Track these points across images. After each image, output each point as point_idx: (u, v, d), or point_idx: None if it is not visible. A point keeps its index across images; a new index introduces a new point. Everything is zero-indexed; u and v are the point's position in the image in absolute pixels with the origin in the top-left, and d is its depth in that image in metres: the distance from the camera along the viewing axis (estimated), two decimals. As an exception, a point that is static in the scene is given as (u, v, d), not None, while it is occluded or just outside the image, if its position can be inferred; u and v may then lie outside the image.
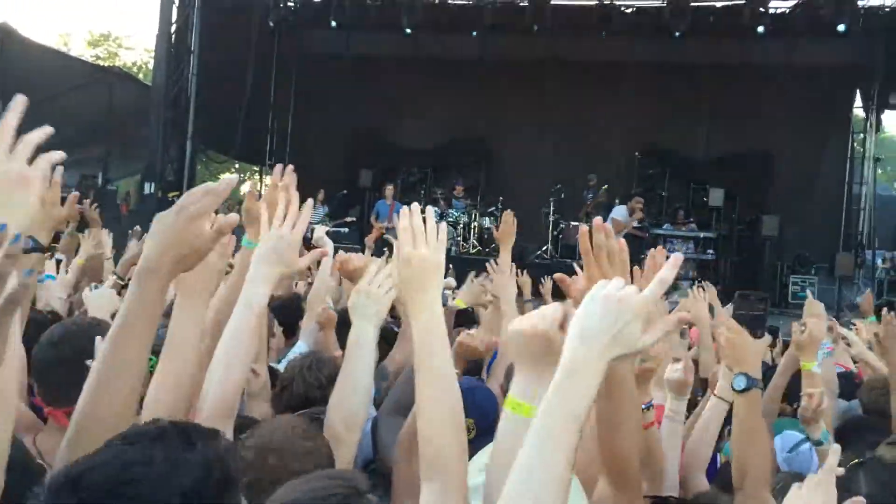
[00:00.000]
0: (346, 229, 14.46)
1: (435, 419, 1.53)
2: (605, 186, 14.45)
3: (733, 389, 2.17)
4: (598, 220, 1.69)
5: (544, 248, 14.50)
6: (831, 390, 3.35)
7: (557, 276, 1.79)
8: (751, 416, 2.11)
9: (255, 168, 22.50)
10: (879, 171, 17.95)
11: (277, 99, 18.27)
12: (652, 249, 2.44)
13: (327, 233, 4.75)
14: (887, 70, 15.88)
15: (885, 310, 3.39)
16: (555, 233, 14.53)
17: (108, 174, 15.66)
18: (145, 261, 1.46)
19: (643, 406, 2.40)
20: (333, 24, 16.25)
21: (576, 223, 14.38)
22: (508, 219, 4.02)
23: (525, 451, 1.16)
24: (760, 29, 14.86)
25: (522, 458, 1.16)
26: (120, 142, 16.40)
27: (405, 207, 1.69)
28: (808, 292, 4.65)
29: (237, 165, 36.36)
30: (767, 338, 2.46)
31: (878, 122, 17.03)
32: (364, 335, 2.00)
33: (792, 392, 3.00)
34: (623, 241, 1.74)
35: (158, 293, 1.46)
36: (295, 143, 18.41)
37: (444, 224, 1.70)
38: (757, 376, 2.15)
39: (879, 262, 16.01)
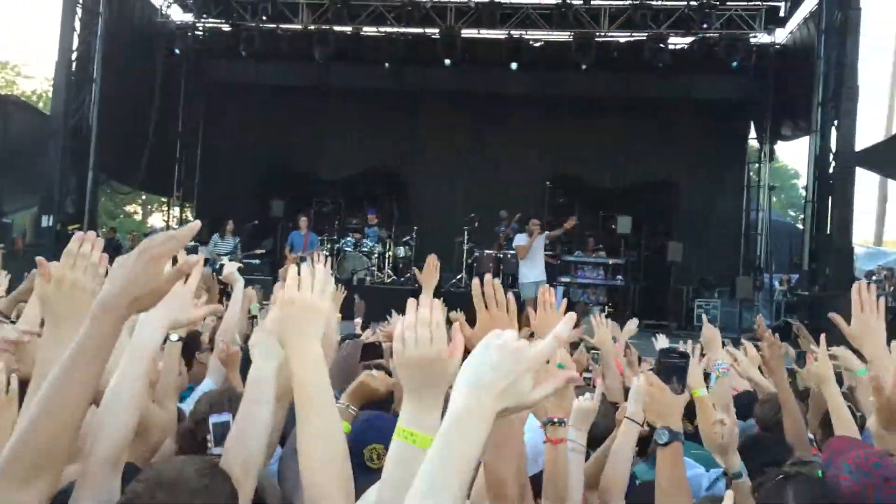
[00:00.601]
0: (258, 261, 14.17)
1: (316, 461, 1.52)
2: (518, 216, 14.68)
3: (657, 443, 2.26)
4: (488, 276, 1.79)
5: (459, 276, 14.58)
6: (728, 410, 3.45)
7: (454, 316, 1.84)
8: (673, 467, 2.19)
9: (163, 199, 21.85)
10: (774, 198, 18.93)
11: (185, 128, 17.86)
12: (542, 288, 2.54)
13: (239, 266, 4.64)
14: (778, 103, 16.82)
15: (768, 332, 3.55)
16: (469, 261, 14.63)
17: (2, 207, 14.90)
18: (101, 300, 1.49)
19: (555, 421, 2.41)
20: (243, 53, 16.06)
21: (490, 251, 14.55)
22: (432, 262, 4.06)
23: (411, 499, 1.13)
24: (661, 64, 15.54)
25: None
26: (15, 173, 15.63)
27: (302, 264, 1.69)
28: (703, 316, 4.82)
29: (143, 197, 35.45)
30: (687, 395, 2.54)
31: (772, 152, 17.99)
32: (264, 374, 1.90)
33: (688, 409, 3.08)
34: (511, 295, 1.85)
35: (111, 331, 1.49)
36: (204, 173, 18.02)
37: (332, 278, 1.70)
38: (678, 429, 2.24)
39: (777, 284, 16.82)
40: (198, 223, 1.74)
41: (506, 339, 1.14)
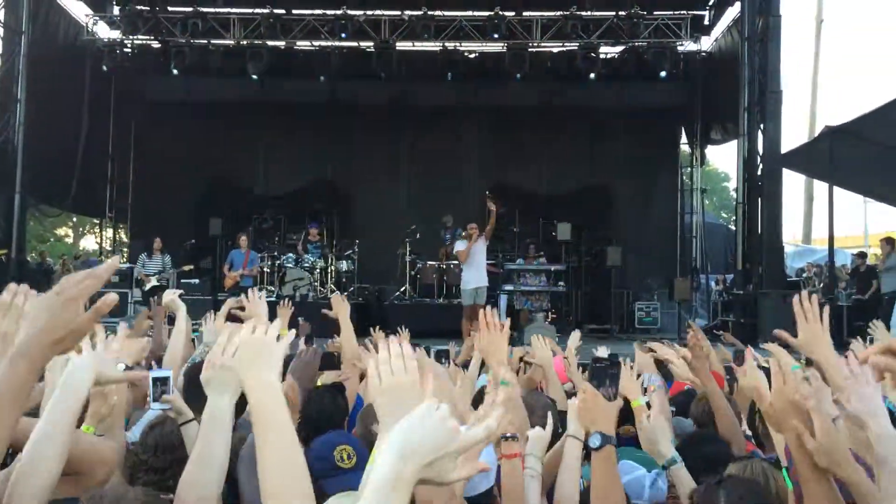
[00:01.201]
0: (197, 280, 13.89)
1: (278, 490, 1.52)
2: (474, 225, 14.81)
3: (590, 447, 2.31)
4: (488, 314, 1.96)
5: (403, 288, 14.56)
6: (667, 419, 3.52)
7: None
8: (607, 471, 2.24)
9: (95, 221, 21.26)
10: (707, 201, 19.45)
11: (116, 147, 17.42)
12: (482, 312, 2.63)
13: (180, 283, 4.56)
14: (707, 109, 17.34)
15: (691, 334, 3.63)
16: (412, 273, 14.63)
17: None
18: (19, 344, 1.50)
19: (508, 436, 2.44)
20: (174, 70, 15.78)
21: (433, 262, 14.57)
22: (336, 298, 4.72)
23: None
24: (592, 75, 15.89)
25: None
26: (-64, 198, 15.01)
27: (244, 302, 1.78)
28: (635, 344, 4.93)
29: (75, 219, 34.41)
30: (619, 401, 2.62)
31: (703, 156, 18.52)
32: (219, 409, 1.87)
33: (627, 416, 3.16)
34: (506, 322, 1.96)
35: (28, 376, 1.50)
36: (138, 192, 17.60)
37: (278, 323, 1.78)
38: (611, 434, 2.30)
39: (713, 284, 17.27)
40: (117, 259, 1.74)
41: (443, 414, 1.17)
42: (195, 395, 1.92)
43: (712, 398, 3.32)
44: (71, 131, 15.42)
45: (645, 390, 3.38)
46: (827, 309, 2.41)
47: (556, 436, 2.80)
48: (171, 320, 4.56)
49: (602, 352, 4.74)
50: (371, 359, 1.55)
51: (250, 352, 1.67)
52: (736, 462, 2.36)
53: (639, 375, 3.94)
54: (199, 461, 1.87)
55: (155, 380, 2.72)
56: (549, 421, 2.69)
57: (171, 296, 4.38)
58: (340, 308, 4.61)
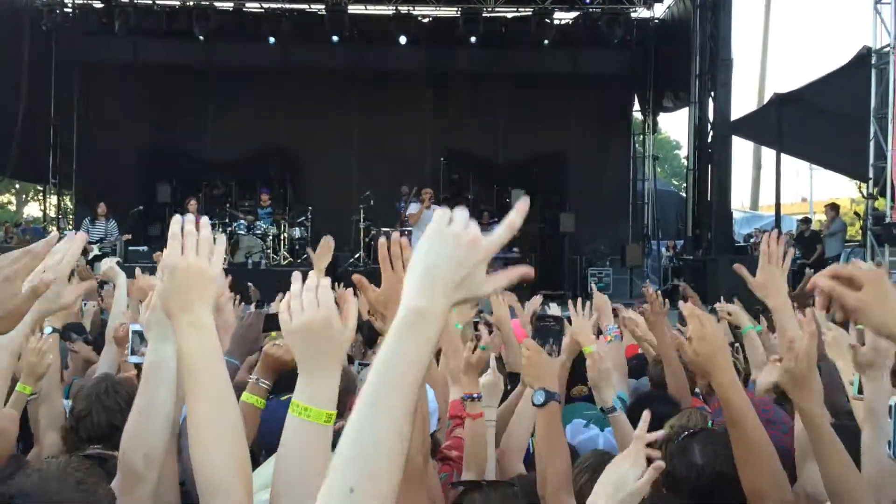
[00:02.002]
0: (145, 248, 13.57)
1: (210, 442, 1.41)
2: (416, 188, 14.73)
3: (533, 404, 2.30)
4: (395, 234, 1.76)
5: (357, 255, 14.46)
6: (621, 372, 3.59)
7: (355, 277, 1.78)
8: (551, 427, 2.23)
9: (39, 187, 20.59)
10: (658, 168, 19.69)
11: (58, 111, 16.81)
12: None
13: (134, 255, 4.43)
14: (659, 76, 17.46)
15: (651, 293, 3.70)
16: (367, 240, 14.54)
17: None
18: None
19: (473, 396, 2.45)
20: (118, 31, 15.25)
21: (387, 229, 14.48)
22: (326, 243, 4.14)
23: (357, 408, 1.04)
24: (546, 41, 15.84)
25: (354, 417, 1.03)
26: None
27: (177, 215, 1.52)
28: (593, 284, 5.00)
29: (17, 185, 33.30)
30: (561, 357, 2.64)
31: (655, 123, 18.69)
32: (162, 356, 1.75)
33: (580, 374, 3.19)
34: None
35: None
36: (82, 158, 17.03)
37: (221, 236, 1.53)
38: (555, 390, 2.30)
39: (664, 250, 17.56)
40: (55, 235, 1.65)
41: (458, 228, 1.06)
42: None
43: (664, 354, 3.37)
44: (10, 95, 14.83)
45: (600, 334, 3.41)
46: (791, 254, 2.43)
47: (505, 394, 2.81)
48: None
49: (554, 310, 4.75)
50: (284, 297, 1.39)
51: (178, 283, 1.45)
52: (678, 415, 2.43)
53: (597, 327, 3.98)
54: (141, 414, 1.77)
55: (135, 332, 2.67)
56: (494, 365, 2.67)
57: (108, 264, 4.21)
58: (322, 255, 4.15)
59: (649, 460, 1.61)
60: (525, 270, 1.10)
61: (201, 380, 1.43)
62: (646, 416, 1.76)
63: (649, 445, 1.65)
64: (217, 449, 1.41)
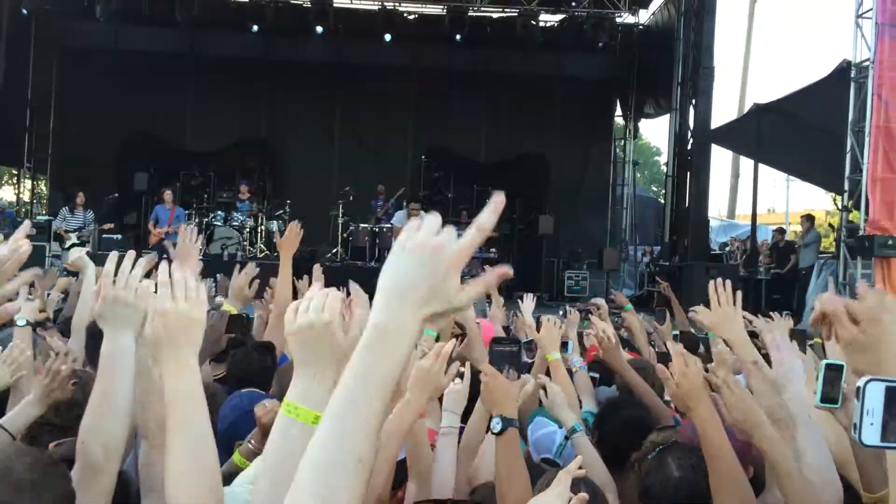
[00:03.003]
0: (119, 236, 13.41)
1: (187, 479, 1.42)
2: (404, 189, 14.70)
3: (491, 432, 2.23)
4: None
5: (334, 250, 14.40)
6: (589, 394, 3.57)
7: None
8: (509, 454, 2.16)
9: (14, 171, 20.28)
10: (638, 174, 19.81)
11: (35, 95, 16.55)
12: None
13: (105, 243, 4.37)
14: (641, 82, 17.56)
15: (600, 328, 3.67)
16: (345, 235, 14.48)
17: None
18: None
19: None
20: (99, 16, 15.05)
21: (365, 225, 14.45)
22: (294, 228, 4.09)
23: (324, 424, 1.02)
24: (532, 41, 15.87)
25: (319, 434, 1.02)
26: None
27: (163, 265, 1.55)
28: (568, 307, 4.97)
29: (-9, 169, 32.82)
30: (524, 379, 2.61)
31: (636, 129, 18.80)
32: (119, 346, 1.73)
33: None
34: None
35: None
36: (58, 143, 16.80)
37: (203, 285, 1.57)
38: (513, 417, 2.23)
39: (641, 255, 17.67)
40: (27, 250, 1.59)
41: (422, 238, 1.01)
42: (98, 351, 1.80)
43: (630, 380, 3.34)
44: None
45: (570, 371, 3.41)
46: (740, 294, 2.50)
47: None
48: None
49: (527, 301, 4.71)
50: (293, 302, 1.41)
51: (173, 326, 1.49)
52: (659, 431, 2.40)
53: (564, 343, 3.99)
54: (99, 405, 1.74)
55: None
56: (467, 374, 2.62)
57: (77, 253, 4.14)
58: (288, 242, 4.13)
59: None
60: (503, 271, 1.04)
61: (184, 420, 1.45)
62: (577, 460, 1.79)
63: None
64: (194, 485, 1.42)
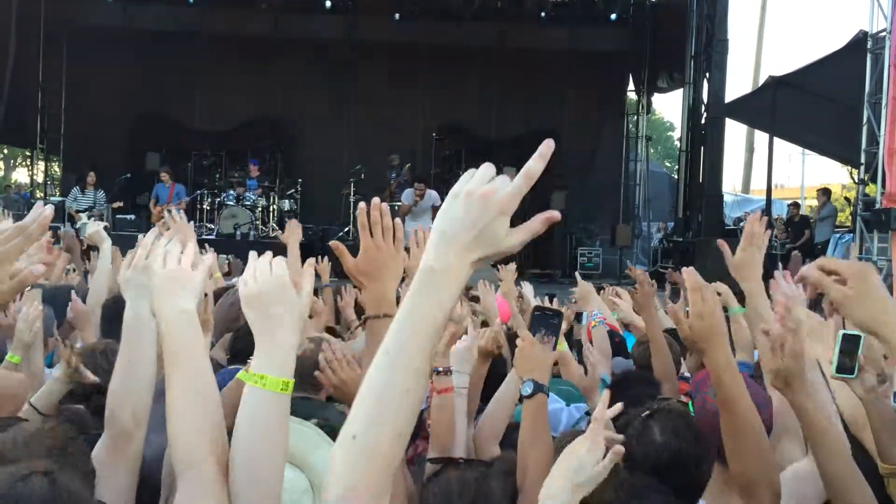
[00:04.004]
0: (132, 216, 13.49)
1: (187, 417, 1.43)
2: (409, 165, 14.59)
3: (522, 394, 2.26)
4: (375, 199, 1.76)
5: (346, 229, 14.41)
6: (605, 356, 3.58)
7: (332, 243, 1.78)
8: (536, 418, 2.18)
9: (27, 153, 20.38)
10: (651, 149, 19.63)
11: (47, 74, 16.56)
12: (415, 228, 2.46)
13: (113, 221, 4.40)
14: (654, 56, 17.33)
15: (639, 273, 3.70)
16: (356, 214, 14.44)
17: None
18: None
19: (441, 370, 2.42)
20: (108, -5, 15.04)
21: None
22: (293, 225, 4.58)
23: (377, 357, 1.07)
24: (543, 14, 15.69)
25: (373, 366, 1.07)
26: None
27: (151, 232, 1.67)
28: (577, 275, 4.99)
29: (5, 150, 32.95)
30: (557, 351, 2.61)
31: (649, 104, 18.58)
32: (143, 314, 1.76)
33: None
34: (398, 220, 1.81)
35: None
36: (70, 123, 16.83)
37: (211, 254, 1.68)
38: (544, 382, 2.26)
39: (654, 231, 17.58)
40: (50, 213, 1.62)
41: (472, 186, 1.04)
42: (113, 329, 1.83)
43: (652, 336, 3.35)
44: (-2, 56, 14.61)
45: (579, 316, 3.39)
46: (768, 235, 2.44)
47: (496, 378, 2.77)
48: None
49: (527, 289, 4.73)
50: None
51: (165, 281, 1.54)
52: (661, 401, 2.39)
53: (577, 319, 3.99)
54: (126, 371, 1.79)
55: None
56: (471, 331, 2.64)
57: (95, 227, 4.20)
58: (292, 234, 4.46)
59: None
60: (550, 215, 1.06)
61: (178, 357, 1.46)
62: (605, 396, 1.74)
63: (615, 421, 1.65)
64: (191, 426, 1.43)
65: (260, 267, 1.40)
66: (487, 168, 1.07)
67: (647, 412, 2.02)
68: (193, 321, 1.52)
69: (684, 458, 1.90)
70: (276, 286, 1.38)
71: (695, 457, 1.90)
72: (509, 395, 2.63)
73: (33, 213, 2.05)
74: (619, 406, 1.75)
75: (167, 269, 1.54)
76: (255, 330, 1.40)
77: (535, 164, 1.05)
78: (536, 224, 1.06)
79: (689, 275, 1.96)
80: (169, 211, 3.37)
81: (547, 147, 1.06)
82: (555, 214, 1.05)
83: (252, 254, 1.46)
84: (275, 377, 1.36)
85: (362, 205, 1.71)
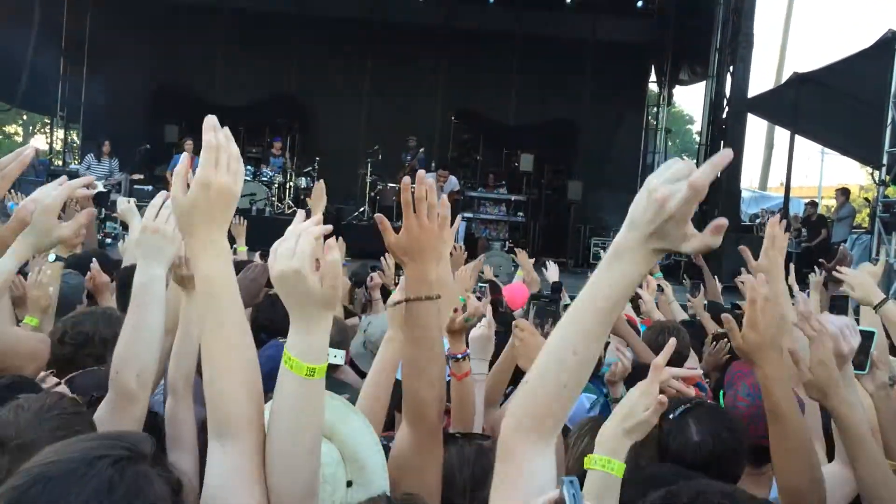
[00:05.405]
0: (151, 188, 13.54)
1: (223, 378, 1.34)
2: (422, 149, 14.57)
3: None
4: (420, 172, 1.67)
5: (361, 209, 14.43)
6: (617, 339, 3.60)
7: (377, 216, 1.72)
8: None
9: (46, 120, 20.49)
10: (670, 142, 19.51)
11: (69, 44, 16.62)
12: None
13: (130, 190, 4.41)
14: (678, 48, 17.19)
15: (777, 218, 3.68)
16: (372, 194, 14.49)
17: None
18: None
19: (459, 356, 2.43)
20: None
21: (393, 184, 14.44)
22: (319, 186, 4.20)
23: (561, 320, 1.20)
24: (568, 1, 15.56)
25: (552, 341, 1.21)
26: None
27: (211, 117, 1.46)
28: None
29: (25, 116, 33.12)
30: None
31: (670, 96, 18.47)
32: (152, 277, 1.77)
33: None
34: (445, 197, 1.74)
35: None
36: (91, 92, 16.88)
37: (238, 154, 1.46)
38: None
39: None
40: (91, 178, 1.69)
41: (656, 184, 1.09)
42: (128, 296, 1.83)
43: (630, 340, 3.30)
44: (22, 25, 14.66)
45: None
46: (786, 238, 2.44)
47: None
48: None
49: (552, 269, 4.74)
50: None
51: (214, 199, 1.37)
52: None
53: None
54: (133, 333, 1.78)
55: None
56: (489, 318, 2.61)
57: (125, 205, 4.20)
58: (318, 199, 4.13)
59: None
60: (719, 224, 1.08)
61: (221, 302, 1.36)
62: (671, 343, 1.78)
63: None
64: (231, 384, 1.35)
65: (285, 246, 1.31)
66: (678, 166, 1.10)
67: (685, 407, 2.03)
68: (230, 261, 1.41)
69: (720, 457, 1.94)
70: (295, 272, 1.28)
71: (730, 455, 1.94)
72: (507, 360, 2.63)
73: (13, 154, 2.13)
74: (673, 343, 1.81)
75: (218, 186, 1.38)
76: (290, 313, 1.33)
77: (704, 172, 1.06)
78: (708, 237, 1.09)
79: (750, 287, 1.85)
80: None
81: (722, 157, 1.07)
82: (722, 222, 1.08)
83: (299, 214, 1.39)
84: (300, 361, 1.31)
85: (406, 180, 1.63)
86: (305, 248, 1.29)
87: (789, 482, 1.83)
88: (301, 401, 1.33)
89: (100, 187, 12.81)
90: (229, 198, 1.39)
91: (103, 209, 12.29)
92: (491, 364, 2.66)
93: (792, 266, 5.78)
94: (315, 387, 1.33)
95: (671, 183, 1.08)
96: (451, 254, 2.62)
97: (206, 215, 1.37)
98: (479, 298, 4.04)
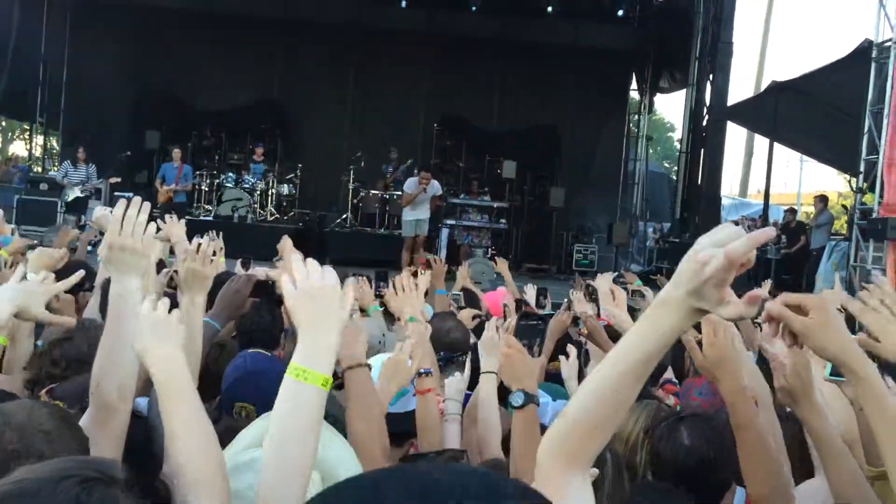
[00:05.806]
0: (131, 194, 13.35)
1: (190, 447, 1.49)
2: (410, 161, 14.57)
3: (511, 406, 2.23)
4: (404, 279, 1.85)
5: (344, 216, 14.41)
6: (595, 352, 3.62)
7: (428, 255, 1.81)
8: (527, 429, 2.17)
9: (25, 126, 20.30)
10: (651, 150, 19.64)
11: (49, 48, 16.46)
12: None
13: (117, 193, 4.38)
14: (658, 56, 17.33)
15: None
16: (354, 201, 14.47)
17: None
18: None
19: (421, 372, 2.49)
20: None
21: (375, 192, 14.44)
22: (286, 243, 4.10)
23: (595, 375, 1.22)
24: (549, 9, 15.64)
25: (592, 383, 1.23)
26: None
27: (122, 201, 1.72)
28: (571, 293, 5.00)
29: (3, 123, 32.78)
30: (542, 359, 2.62)
31: (651, 103, 18.61)
32: (126, 288, 1.78)
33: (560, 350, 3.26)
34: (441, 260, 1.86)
35: None
36: (71, 98, 16.75)
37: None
38: (534, 392, 2.25)
39: (651, 231, 17.61)
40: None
41: (698, 247, 1.13)
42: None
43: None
44: (1, 26, 14.52)
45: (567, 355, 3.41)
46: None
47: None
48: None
49: (530, 291, 4.76)
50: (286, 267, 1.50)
51: (150, 328, 1.61)
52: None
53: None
54: (111, 348, 1.77)
55: None
56: (467, 369, 2.72)
57: (101, 212, 4.16)
58: (287, 253, 4.24)
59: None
60: (754, 295, 1.12)
61: (176, 404, 1.55)
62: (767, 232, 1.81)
63: None
64: (197, 450, 1.50)
65: (312, 272, 1.44)
66: (727, 230, 1.13)
67: (677, 416, 2.11)
68: (182, 364, 1.60)
69: (710, 463, 1.99)
70: (332, 288, 1.44)
71: (720, 462, 1.99)
72: (491, 398, 2.64)
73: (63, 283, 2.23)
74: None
75: (153, 316, 1.61)
76: (301, 324, 1.43)
77: (742, 244, 1.09)
78: (743, 307, 1.12)
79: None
80: (176, 206, 3.29)
81: (763, 234, 1.13)
82: (757, 293, 1.12)
83: (296, 255, 1.51)
84: (316, 371, 1.40)
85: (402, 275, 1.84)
86: (333, 274, 1.47)
87: (755, 489, 1.93)
88: (313, 411, 1.43)
89: (77, 192, 12.74)
90: (167, 326, 1.65)
91: (82, 215, 12.23)
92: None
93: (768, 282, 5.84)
94: (324, 397, 1.44)
95: (717, 247, 1.12)
96: (430, 265, 2.67)
97: (152, 338, 1.62)
98: (460, 308, 4.06)
